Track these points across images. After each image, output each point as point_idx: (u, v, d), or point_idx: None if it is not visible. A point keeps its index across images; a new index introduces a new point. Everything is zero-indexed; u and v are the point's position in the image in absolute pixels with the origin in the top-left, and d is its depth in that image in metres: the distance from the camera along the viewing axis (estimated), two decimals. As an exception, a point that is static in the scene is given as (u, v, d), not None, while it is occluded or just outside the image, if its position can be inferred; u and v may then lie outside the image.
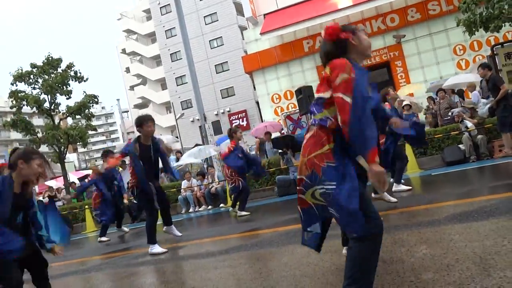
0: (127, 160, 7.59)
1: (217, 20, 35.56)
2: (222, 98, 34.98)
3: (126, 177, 10.14)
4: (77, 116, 18.84)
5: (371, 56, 2.19)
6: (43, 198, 15.01)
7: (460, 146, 8.42)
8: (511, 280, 1.97)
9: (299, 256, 3.37)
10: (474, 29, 11.08)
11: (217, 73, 35.37)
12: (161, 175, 12.00)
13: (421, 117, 12.33)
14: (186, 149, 19.16)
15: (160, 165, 5.54)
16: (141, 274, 4.18)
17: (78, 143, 19.55)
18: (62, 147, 18.03)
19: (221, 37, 35.43)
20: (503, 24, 10.61)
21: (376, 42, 16.22)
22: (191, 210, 10.97)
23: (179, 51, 35.40)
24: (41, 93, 17.97)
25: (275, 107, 18.23)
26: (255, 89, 21.06)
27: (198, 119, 21.94)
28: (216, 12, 35.63)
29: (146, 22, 44.04)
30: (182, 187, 11.49)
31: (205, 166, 13.50)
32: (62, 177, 18.64)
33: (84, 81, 18.68)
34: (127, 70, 48.14)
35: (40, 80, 17.96)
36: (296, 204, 2.14)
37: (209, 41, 35.66)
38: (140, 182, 5.10)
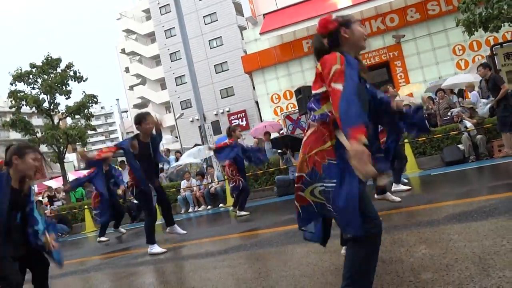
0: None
1: (217, 20, 35.56)
2: (222, 98, 34.98)
3: (126, 177, 10.10)
4: (77, 116, 18.83)
5: (365, 47, 2.10)
6: (43, 198, 15.01)
7: (460, 146, 8.43)
8: (510, 280, 1.97)
9: (299, 256, 3.37)
10: (473, 29, 11.09)
11: (216, 73, 35.37)
12: (161, 175, 12.00)
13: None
14: (186, 149, 19.18)
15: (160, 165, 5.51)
16: (141, 274, 4.18)
17: (77, 143, 19.53)
18: (62, 147, 18.02)
19: (220, 37, 35.43)
20: (502, 24, 10.62)
21: (375, 42, 16.23)
22: (190, 210, 10.96)
23: (179, 51, 35.39)
24: (41, 93, 17.96)
25: (275, 107, 18.23)
26: (254, 89, 21.06)
27: (197, 119, 21.91)
28: (215, 12, 35.62)
29: (145, 22, 44.03)
30: (181, 187, 11.49)
31: (205, 166, 13.50)
32: (61, 177, 18.63)
33: (84, 81, 18.67)
34: (127, 70, 48.12)
35: (39, 80, 17.94)
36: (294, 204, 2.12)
37: (209, 41, 35.66)
38: (138, 182, 5.08)
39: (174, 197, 11.49)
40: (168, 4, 36.56)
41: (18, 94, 17.73)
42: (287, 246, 3.83)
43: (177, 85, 37.26)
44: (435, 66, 16.10)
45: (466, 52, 15.72)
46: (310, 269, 2.90)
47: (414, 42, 16.27)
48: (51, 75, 18.01)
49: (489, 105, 7.76)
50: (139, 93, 44.59)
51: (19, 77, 17.76)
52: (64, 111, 18.55)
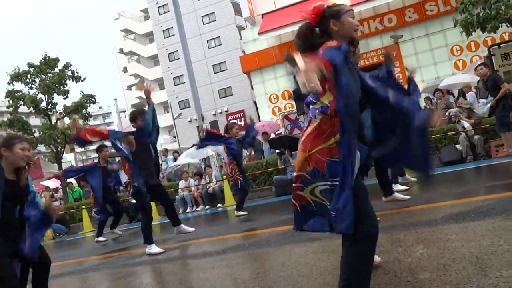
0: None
1: (215, 20, 35.55)
2: (220, 98, 34.96)
3: (124, 176, 10.03)
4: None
5: (357, 38, 2.03)
6: (40, 198, 14.93)
7: (457, 146, 8.44)
8: (507, 279, 1.98)
9: (297, 256, 3.37)
10: (471, 30, 11.12)
11: (215, 73, 35.35)
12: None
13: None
14: (184, 149, 19.17)
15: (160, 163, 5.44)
16: (138, 274, 4.18)
17: (75, 143, 19.45)
18: (59, 147, 17.97)
19: (219, 37, 35.42)
20: (500, 25, 10.65)
21: (373, 43, 16.26)
22: (188, 210, 10.96)
23: (177, 51, 35.36)
24: (38, 93, 17.90)
25: (273, 107, 18.24)
26: (252, 89, 21.07)
27: (195, 119, 21.95)
28: (214, 12, 35.61)
29: (143, 22, 43.98)
30: (179, 187, 11.48)
31: (203, 166, 13.49)
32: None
33: (82, 81, 18.61)
34: (125, 70, 48.03)
35: (37, 80, 17.89)
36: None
37: (207, 41, 35.64)
38: (136, 181, 5.04)
39: (172, 197, 11.45)
40: (167, 4, 36.53)
41: (16, 94, 17.67)
42: (285, 246, 3.83)
43: (175, 85, 37.24)
44: (433, 66, 16.14)
45: (464, 53, 15.76)
46: (308, 269, 2.90)
47: (412, 42, 16.31)
48: (49, 75, 17.96)
49: (489, 105, 7.73)
50: (137, 93, 44.48)
51: (17, 76, 17.70)
52: (62, 111, 18.50)
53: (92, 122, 20.81)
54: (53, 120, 18.63)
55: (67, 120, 20.57)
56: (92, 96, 18.45)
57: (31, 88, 18.03)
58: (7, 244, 2.69)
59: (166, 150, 16.74)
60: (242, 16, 19.79)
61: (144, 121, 5.20)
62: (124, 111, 58.15)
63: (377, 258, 2.57)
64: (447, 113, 9.79)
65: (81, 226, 12.22)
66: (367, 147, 2.10)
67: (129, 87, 47.77)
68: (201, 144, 7.46)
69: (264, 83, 18.36)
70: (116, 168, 7.80)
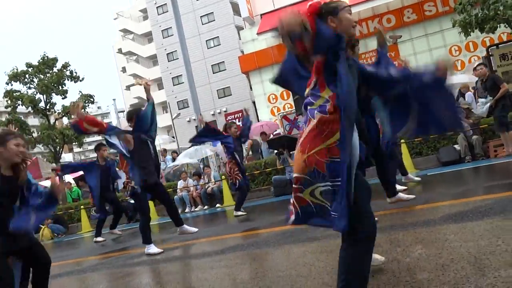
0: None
1: (214, 20, 35.56)
2: (219, 98, 34.97)
3: (122, 177, 10.01)
4: (73, 116, 18.74)
5: (355, 34, 2.01)
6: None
7: (456, 146, 8.46)
8: (505, 279, 1.98)
9: (295, 256, 3.37)
10: (469, 30, 11.15)
11: (213, 73, 35.36)
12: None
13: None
14: (183, 149, 19.15)
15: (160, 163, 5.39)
16: (137, 275, 4.17)
17: (73, 143, 19.48)
18: (58, 147, 17.96)
19: (217, 37, 35.43)
20: (498, 25, 10.69)
21: (372, 43, 16.25)
22: (187, 210, 10.95)
23: (176, 51, 35.37)
24: (37, 93, 17.90)
25: (272, 107, 18.25)
26: (251, 89, 21.07)
27: (194, 119, 21.93)
28: (212, 12, 35.63)
29: (142, 22, 43.96)
30: (178, 187, 11.47)
31: (201, 166, 13.49)
32: (57, 178, 18.55)
33: (80, 80, 18.62)
34: (123, 70, 47.99)
35: (35, 80, 17.89)
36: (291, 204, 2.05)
37: (206, 41, 35.66)
38: (133, 179, 5.02)
39: (171, 198, 11.47)
40: (165, 4, 36.52)
41: (14, 94, 17.67)
42: (283, 246, 3.83)
43: (174, 85, 37.24)
44: (431, 66, 16.16)
45: (462, 53, 15.80)
46: (307, 269, 2.90)
47: (411, 42, 16.34)
48: (48, 75, 17.95)
49: (488, 104, 7.71)
50: (136, 93, 44.49)
51: (15, 76, 17.70)
52: (60, 111, 18.49)
53: (90, 122, 20.69)
54: (52, 120, 18.62)
55: (65, 120, 20.56)
56: (91, 96, 18.45)
57: (29, 88, 18.03)
58: (6, 244, 2.67)
59: (165, 150, 16.74)
60: (241, 16, 19.81)
61: (143, 112, 5.17)
62: (123, 111, 58.04)
63: (380, 258, 2.56)
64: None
65: (80, 226, 12.20)
66: (366, 146, 2.09)
67: (128, 87, 47.72)
68: (197, 139, 7.34)
69: (263, 83, 18.37)
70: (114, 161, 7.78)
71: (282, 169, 10.04)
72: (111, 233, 8.14)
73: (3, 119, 18.41)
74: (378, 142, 4.48)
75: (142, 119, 5.09)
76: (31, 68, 17.86)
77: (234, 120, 7.77)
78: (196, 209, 10.85)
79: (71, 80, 18.44)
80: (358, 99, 1.96)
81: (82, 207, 12.06)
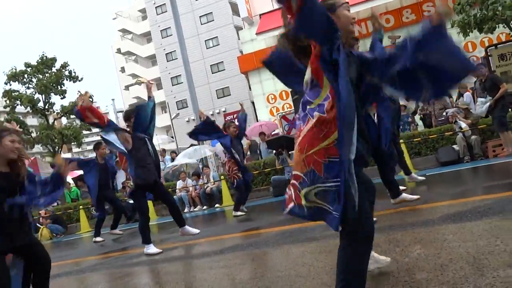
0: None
1: (213, 20, 35.56)
2: (218, 98, 34.96)
3: (121, 177, 10.01)
4: (72, 116, 18.75)
5: (354, 31, 1.96)
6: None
7: (454, 146, 8.47)
8: (504, 279, 1.98)
9: (294, 256, 3.37)
10: (468, 30, 11.17)
11: (212, 73, 35.36)
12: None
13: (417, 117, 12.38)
14: (181, 149, 19.15)
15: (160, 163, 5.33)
16: (136, 275, 4.17)
17: (72, 143, 19.48)
18: (57, 147, 17.95)
19: (216, 37, 35.43)
20: (497, 26, 10.71)
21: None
22: (186, 210, 10.94)
23: (175, 51, 35.36)
24: (35, 93, 17.89)
25: (271, 107, 18.25)
26: (250, 89, 21.07)
27: (193, 119, 21.93)
28: (211, 12, 35.62)
29: (141, 22, 43.93)
30: (177, 187, 11.47)
31: (200, 166, 13.49)
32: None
33: (79, 80, 18.62)
34: (122, 69, 47.96)
35: (34, 80, 17.88)
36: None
37: (205, 41, 35.65)
38: (131, 176, 5.00)
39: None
40: (164, 4, 36.51)
41: (13, 94, 17.66)
42: (283, 246, 3.83)
43: (173, 85, 37.23)
44: (430, 67, 16.18)
45: (461, 53, 15.79)
46: (306, 269, 2.90)
47: (410, 43, 16.33)
48: (46, 75, 17.94)
49: (487, 104, 7.69)
50: (135, 93, 44.47)
51: (14, 76, 17.69)
52: (59, 111, 18.48)
53: (89, 122, 20.70)
54: (50, 120, 18.61)
55: (64, 120, 20.53)
56: (90, 96, 18.41)
57: (28, 88, 18.03)
58: (3, 243, 2.65)
59: (164, 150, 16.75)
60: (240, 16, 19.83)
61: (143, 105, 5.16)
62: (122, 111, 58.09)
63: (385, 259, 2.53)
64: (444, 113, 9.82)
65: (79, 226, 12.18)
66: (367, 144, 2.06)
67: (127, 87, 47.67)
68: (195, 133, 7.20)
69: (262, 83, 18.37)
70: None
71: (281, 169, 10.04)
72: (111, 233, 8.08)
73: (2, 119, 18.38)
74: (379, 142, 4.47)
75: (142, 113, 5.08)
76: (30, 68, 17.85)
77: (233, 120, 7.74)
78: (195, 209, 10.85)
79: (70, 80, 18.43)
80: (358, 96, 1.94)
81: (81, 207, 12.04)
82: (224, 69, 34.87)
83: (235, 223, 6.46)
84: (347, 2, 1.97)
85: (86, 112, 4.69)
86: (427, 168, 8.46)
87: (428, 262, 2.48)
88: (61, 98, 18.29)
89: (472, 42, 15.34)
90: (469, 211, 3.59)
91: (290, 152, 9.75)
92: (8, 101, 17.79)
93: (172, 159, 14.36)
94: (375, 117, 4.67)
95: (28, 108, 18.06)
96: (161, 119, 39.67)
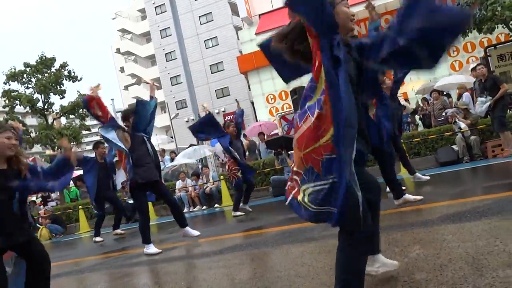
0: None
1: (212, 20, 35.55)
2: (217, 98, 34.95)
3: (121, 177, 9.99)
4: (71, 116, 18.73)
5: (353, 28, 1.93)
6: (36, 198, 14.91)
7: (454, 147, 8.48)
8: (503, 279, 1.99)
9: (294, 256, 3.37)
10: (467, 31, 11.14)
11: (212, 73, 35.35)
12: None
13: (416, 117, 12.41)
14: (181, 149, 19.14)
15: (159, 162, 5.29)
16: (135, 275, 4.17)
17: (72, 143, 19.42)
18: (56, 147, 17.91)
19: (216, 37, 35.42)
20: (496, 26, 10.71)
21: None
22: (185, 210, 10.94)
23: (174, 51, 35.35)
24: (35, 93, 17.85)
25: (270, 107, 18.25)
26: (250, 89, 21.07)
27: (193, 119, 21.91)
28: (211, 12, 35.61)
29: (140, 22, 43.92)
30: (176, 187, 11.47)
31: (200, 166, 13.49)
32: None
33: (78, 80, 18.57)
34: (122, 69, 47.95)
35: (33, 80, 17.83)
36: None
37: (204, 41, 35.64)
38: (133, 179, 4.99)
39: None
40: (164, 3, 36.49)
41: (12, 94, 17.61)
42: (282, 247, 3.83)
43: (172, 85, 37.20)
44: (429, 67, 16.19)
45: (460, 54, 15.83)
46: (305, 269, 2.90)
47: (409, 43, 16.34)
48: (45, 75, 17.90)
49: (488, 103, 7.66)
50: (134, 93, 44.42)
51: (13, 76, 17.64)
52: (58, 111, 18.45)
53: (88, 122, 20.76)
54: (50, 120, 18.58)
55: (63, 120, 20.52)
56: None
57: (27, 87, 17.98)
58: (1, 241, 2.63)
59: (163, 151, 16.74)
60: (239, 16, 19.83)
61: (145, 102, 5.16)
62: (121, 111, 58.06)
63: (394, 262, 2.40)
64: (443, 114, 9.83)
65: (78, 226, 12.18)
66: (367, 145, 2.05)
67: (126, 87, 47.66)
68: (196, 129, 7.19)
69: (261, 83, 18.37)
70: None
71: (280, 169, 10.05)
72: (115, 234, 7.99)
73: (1, 118, 18.35)
74: (381, 142, 4.46)
75: (142, 110, 5.09)
76: (29, 68, 17.81)
77: (233, 120, 7.76)
78: (194, 210, 10.85)
79: (69, 80, 18.39)
80: (358, 95, 1.92)
81: (80, 207, 12.04)
82: (223, 69, 34.87)
83: (235, 223, 6.46)
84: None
85: (92, 102, 4.80)
86: (426, 168, 8.47)
87: (427, 262, 2.48)
88: (61, 98, 18.23)
89: (471, 43, 15.35)
90: (468, 211, 3.59)
91: (289, 152, 9.76)
92: (7, 101, 17.76)
93: (172, 159, 14.36)
94: (374, 117, 4.69)
95: (27, 108, 18.01)
96: (160, 119, 39.65)
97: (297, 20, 1.90)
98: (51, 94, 17.95)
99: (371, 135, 4.16)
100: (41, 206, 13.76)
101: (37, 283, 2.73)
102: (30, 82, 17.88)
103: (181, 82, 34.83)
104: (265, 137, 13.39)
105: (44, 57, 17.95)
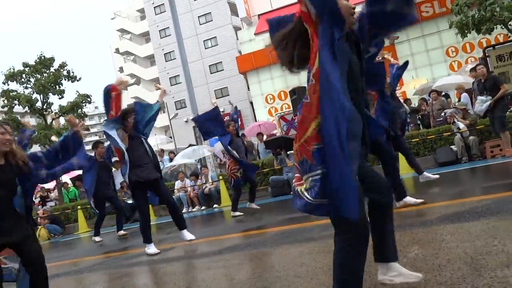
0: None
1: (211, 20, 35.52)
2: (216, 98, 34.70)
3: (120, 177, 9.98)
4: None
5: (354, 22, 1.89)
6: (35, 198, 14.88)
7: (452, 147, 8.49)
8: (501, 280, 1.99)
9: (292, 257, 3.37)
10: (466, 31, 11.20)
11: (211, 73, 35.33)
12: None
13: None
14: (180, 149, 19.14)
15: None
16: (134, 275, 4.17)
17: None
18: (55, 147, 17.88)
19: (215, 37, 35.40)
20: (494, 27, 10.74)
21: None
22: (184, 210, 10.93)
23: (173, 51, 35.31)
24: (33, 93, 17.81)
25: (269, 107, 18.25)
26: (249, 90, 21.07)
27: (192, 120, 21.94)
28: (210, 12, 35.59)
29: (140, 22, 43.87)
30: (175, 187, 11.46)
31: (199, 166, 13.48)
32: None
33: (77, 80, 18.54)
34: (121, 69, 47.88)
35: (32, 80, 17.79)
36: (290, 204, 2.06)
37: (203, 41, 35.62)
38: (124, 178, 4.99)
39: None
40: (163, 4, 36.46)
41: (11, 94, 17.57)
42: (281, 247, 3.83)
43: (171, 85, 37.15)
44: (428, 67, 16.22)
45: (459, 54, 15.86)
46: (304, 269, 2.90)
47: (408, 43, 16.39)
48: (44, 75, 17.86)
49: (488, 103, 7.63)
50: (134, 93, 44.39)
51: (12, 76, 17.60)
52: (57, 110, 18.42)
53: (88, 122, 20.75)
54: (49, 120, 18.55)
55: (62, 120, 20.50)
56: (88, 96, 18.38)
57: (26, 87, 17.94)
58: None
59: (162, 151, 16.73)
60: (238, 17, 19.83)
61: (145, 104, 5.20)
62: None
63: (416, 275, 2.17)
64: (442, 114, 9.85)
65: (77, 226, 12.16)
66: (366, 147, 2.04)
67: (125, 87, 47.58)
68: (201, 118, 7.21)
69: (260, 83, 18.37)
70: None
71: (279, 170, 10.05)
72: (119, 235, 7.88)
73: (0, 118, 18.31)
74: (388, 143, 4.45)
75: (143, 111, 5.11)
76: (28, 68, 17.77)
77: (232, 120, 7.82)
78: (193, 210, 10.84)
79: (68, 80, 18.35)
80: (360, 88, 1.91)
81: (79, 207, 12.02)
82: (222, 69, 34.85)
83: (234, 224, 6.46)
84: None
85: (113, 92, 4.87)
86: (425, 169, 8.45)
87: (426, 263, 2.48)
88: (59, 98, 18.18)
89: (470, 43, 15.38)
90: (467, 211, 3.60)
91: (288, 152, 9.76)
92: (6, 101, 17.71)
93: (171, 159, 14.34)
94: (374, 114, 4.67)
95: (26, 108, 17.97)
96: (159, 119, 39.56)
97: (296, 18, 1.92)
98: (50, 94, 17.91)
99: (371, 131, 4.14)
100: (40, 206, 13.74)
101: (35, 282, 2.70)
102: (29, 82, 17.84)
103: (180, 82, 34.80)
104: (263, 137, 13.38)
105: (43, 57, 17.91)
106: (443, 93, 11.86)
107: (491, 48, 10.43)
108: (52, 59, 18.15)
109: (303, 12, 1.82)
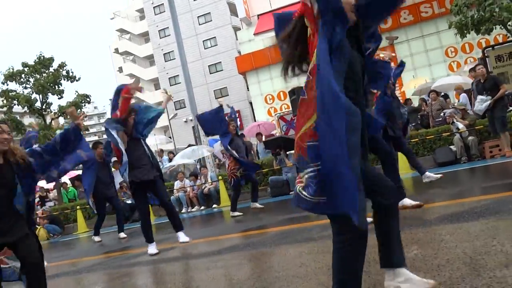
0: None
1: (211, 20, 35.53)
2: (216, 98, 34.87)
3: (119, 177, 9.98)
4: (69, 117, 18.67)
5: (354, 19, 1.86)
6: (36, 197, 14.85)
7: (452, 147, 8.50)
8: (500, 280, 1.99)
9: (292, 257, 3.38)
10: (465, 32, 11.21)
11: (210, 73, 35.33)
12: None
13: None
14: (179, 149, 19.13)
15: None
16: (134, 275, 4.17)
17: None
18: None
19: (214, 37, 35.40)
20: (494, 27, 10.76)
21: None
22: (183, 210, 10.94)
23: (173, 51, 35.30)
24: (33, 93, 17.80)
25: (269, 107, 18.26)
26: (248, 90, 21.08)
27: (191, 120, 21.91)
28: (209, 12, 35.59)
29: (139, 22, 43.85)
30: (174, 187, 11.46)
31: (198, 166, 13.48)
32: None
33: (76, 80, 18.53)
34: (120, 70, 47.84)
35: (31, 80, 17.79)
36: (289, 204, 2.07)
37: (203, 41, 35.62)
38: (123, 177, 4.99)
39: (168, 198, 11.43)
40: (162, 4, 36.45)
41: (10, 94, 17.56)
42: (280, 247, 3.84)
43: (170, 85, 37.10)
44: (427, 67, 16.24)
45: (458, 54, 15.88)
46: (303, 269, 2.90)
47: (407, 43, 16.40)
48: (44, 75, 17.86)
49: (488, 102, 7.61)
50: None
51: (11, 76, 17.60)
52: (56, 111, 18.41)
53: (87, 122, 20.76)
54: (48, 120, 18.54)
55: (61, 120, 20.49)
56: (87, 96, 18.38)
57: (25, 87, 17.93)
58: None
59: (162, 151, 16.71)
60: (238, 17, 19.83)
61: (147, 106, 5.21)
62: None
63: (427, 281, 2.06)
64: (441, 114, 9.85)
65: (76, 226, 12.15)
66: (365, 148, 2.03)
67: (134, 94, 47.44)
68: (205, 116, 7.30)
69: (259, 83, 18.37)
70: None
71: (279, 170, 10.05)
72: (119, 238, 7.79)
73: (-1, 118, 18.29)
74: (387, 143, 4.44)
75: (144, 113, 5.12)
76: (27, 68, 17.76)
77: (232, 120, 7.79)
78: (192, 210, 10.84)
79: (68, 80, 18.35)
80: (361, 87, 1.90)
81: (78, 207, 12.01)
82: (222, 70, 34.85)
83: (233, 224, 6.46)
84: None
85: (125, 93, 4.85)
86: (425, 169, 8.48)
87: (425, 263, 2.48)
88: (59, 98, 18.17)
89: (469, 43, 15.40)
90: (466, 211, 3.60)
91: (288, 153, 9.76)
92: (5, 101, 17.70)
93: (170, 160, 14.34)
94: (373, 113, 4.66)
95: (25, 108, 17.96)
96: (159, 119, 39.49)
97: (296, 18, 1.92)
98: (49, 94, 17.90)
99: (371, 130, 4.13)
100: (39, 207, 13.72)
101: (30, 283, 2.66)
102: (28, 82, 17.83)
103: (180, 82, 34.78)
104: (263, 137, 13.38)
105: (42, 57, 17.91)
106: (442, 94, 11.88)
107: (490, 48, 10.44)
108: (51, 59, 18.14)
109: (306, 7, 1.81)
